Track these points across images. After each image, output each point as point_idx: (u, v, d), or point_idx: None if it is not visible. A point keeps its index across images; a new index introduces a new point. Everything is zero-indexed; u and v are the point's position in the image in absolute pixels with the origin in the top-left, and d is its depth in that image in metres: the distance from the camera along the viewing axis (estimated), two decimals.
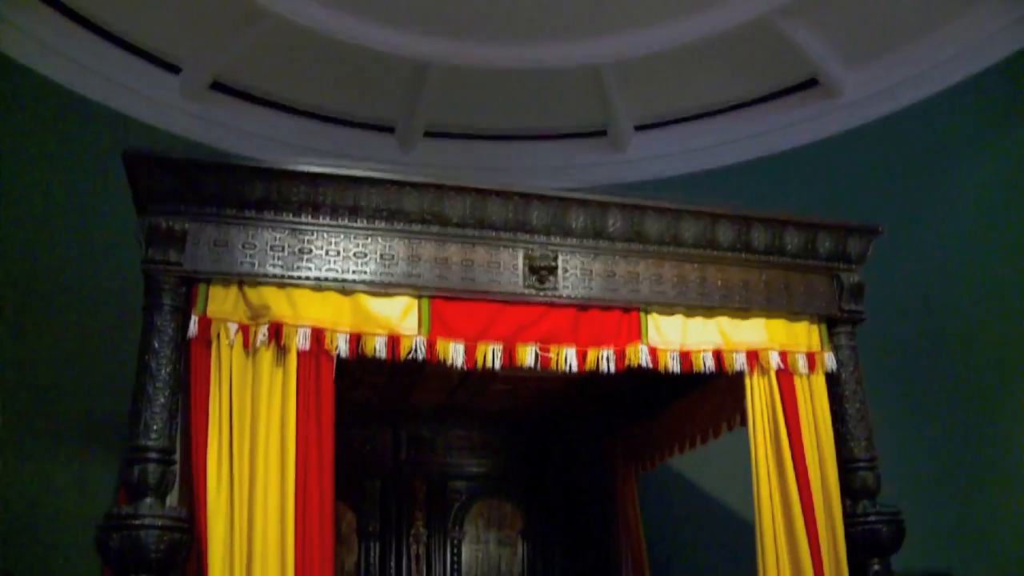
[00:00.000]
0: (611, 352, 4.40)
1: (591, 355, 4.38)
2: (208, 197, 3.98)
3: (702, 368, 4.57)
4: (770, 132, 8.13)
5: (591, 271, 4.47)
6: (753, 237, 4.74)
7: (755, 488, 4.55)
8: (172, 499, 3.75)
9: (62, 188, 6.50)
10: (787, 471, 4.54)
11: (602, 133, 8.56)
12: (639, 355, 4.44)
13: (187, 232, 3.90)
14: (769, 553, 4.44)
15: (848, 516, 4.60)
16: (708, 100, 8.26)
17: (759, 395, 4.65)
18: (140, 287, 3.95)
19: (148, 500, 3.65)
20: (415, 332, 4.12)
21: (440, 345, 4.14)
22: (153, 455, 3.69)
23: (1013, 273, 6.47)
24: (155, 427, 3.71)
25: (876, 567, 4.59)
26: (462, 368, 4.24)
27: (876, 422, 4.89)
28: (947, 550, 5.98)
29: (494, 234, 4.33)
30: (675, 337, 4.55)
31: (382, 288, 4.12)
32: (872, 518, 4.62)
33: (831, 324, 4.88)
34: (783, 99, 8.06)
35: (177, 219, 3.89)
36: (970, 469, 6.69)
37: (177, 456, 3.79)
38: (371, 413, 6.80)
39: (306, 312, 3.97)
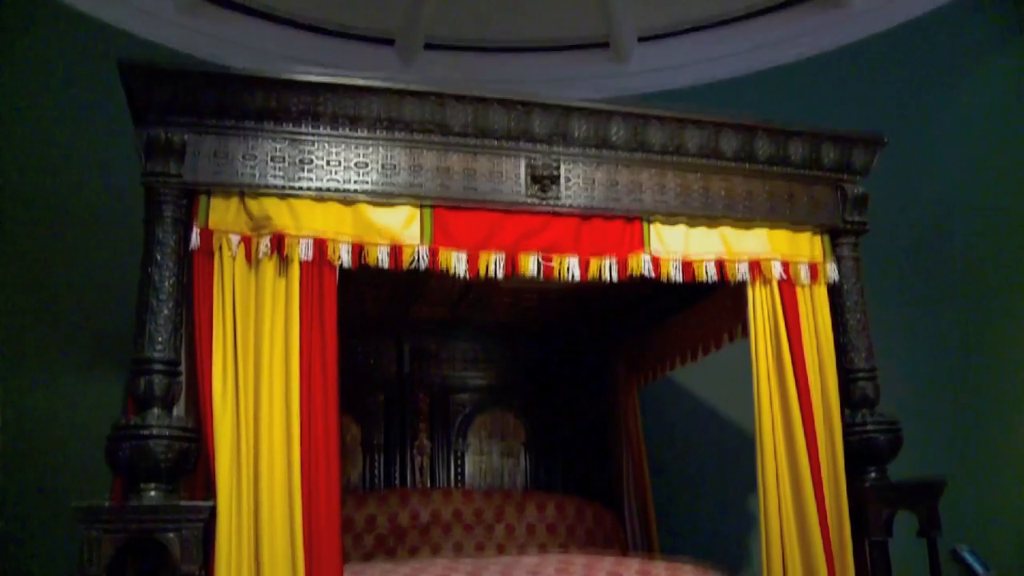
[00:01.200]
0: (613, 261, 4.41)
1: (593, 264, 4.39)
2: (207, 108, 3.95)
3: (704, 278, 4.59)
4: (776, 43, 7.98)
5: (594, 180, 4.45)
6: (757, 147, 4.72)
7: (755, 398, 4.60)
8: (179, 409, 3.82)
9: (56, 101, 6.43)
10: (788, 381, 4.59)
11: (604, 45, 8.41)
12: (641, 264, 4.46)
13: (186, 143, 3.89)
14: (768, 462, 4.51)
15: (847, 425, 4.68)
16: (713, 10, 8.11)
17: (761, 305, 4.68)
18: (141, 200, 3.95)
19: (155, 411, 3.69)
20: (417, 241, 4.13)
21: (443, 254, 4.15)
22: (159, 366, 3.72)
23: (1018, 186, 6.46)
24: (160, 339, 3.75)
25: (873, 475, 4.68)
26: (464, 278, 4.25)
27: (876, 333, 4.93)
28: (943, 458, 6.00)
29: (496, 143, 4.32)
30: (678, 246, 4.56)
31: (384, 197, 4.12)
32: (870, 427, 4.69)
33: (834, 235, 4.89)
34: (790, 9, 7.91)
35: (176, 130, 3.88)
36: (968, 380, 6.78)
37: (183, 367, 3.83)
38: (374, 327, 6.91)
39: (308, 223, 3.98)
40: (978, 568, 6.11)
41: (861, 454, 4.68)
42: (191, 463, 3.75)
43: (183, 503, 3.67)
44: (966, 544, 6.18)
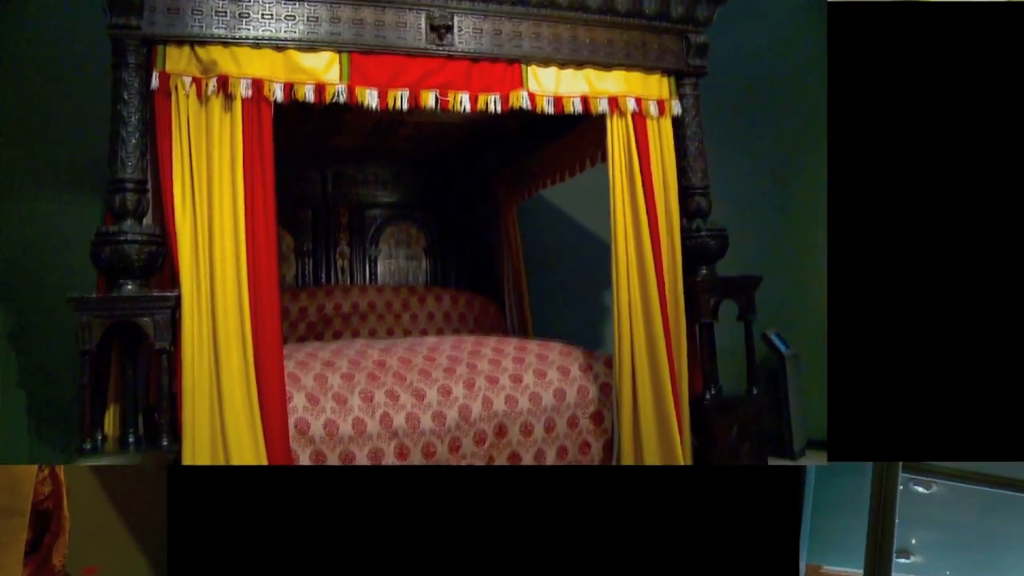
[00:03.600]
0: (497, 97, 4.60)
1: (481, 99, 4.57)
2: None
3: (571, 111, 4.78)
4: None
5: (482, 30, 4.61)
6: (617, 2, 4.86)
7: (611, 211, 4.83)
8: (148, 220, 4.00)
9: None
10: (638, 197, 4.84)
11: None
12: (520, 100, 4.65)
13: (143, 0, 4.00)
14: (621, 262, 4.81)
15: (685, 232, 4.99)
16: None
17: (618, 134, 4.87)
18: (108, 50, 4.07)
19: (128, 221, 3.90)
20: (337, 81, 4.28)
21: (358, 91, 4.30)
22: (130, 185, 3.92)
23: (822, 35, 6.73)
24: (130, 163, 3.92)
25: (704, 271, 5.05)
26: (376, 112, 4.42)
27: (712, 157, 5.16)
28: (762, 259, 6.26)
29: None
30: (550, 85, 4.74)
31: (309, 44, 4.26)
32: (704, 234, 5.02)
33: (679, 77, 5.07)
34: None
35: None
36: (784, 195, 7.14)
37: (149, 186, 4.00)
38: (303, 156, 7.07)
39: (247, 66, 4.11)
40: (781, 347, 6.54)
41: (695, 255, 5.00)
42: (159, 263, 3.97)
43: (154, 294, 3.91)
44: (774, 328, 6.73)
